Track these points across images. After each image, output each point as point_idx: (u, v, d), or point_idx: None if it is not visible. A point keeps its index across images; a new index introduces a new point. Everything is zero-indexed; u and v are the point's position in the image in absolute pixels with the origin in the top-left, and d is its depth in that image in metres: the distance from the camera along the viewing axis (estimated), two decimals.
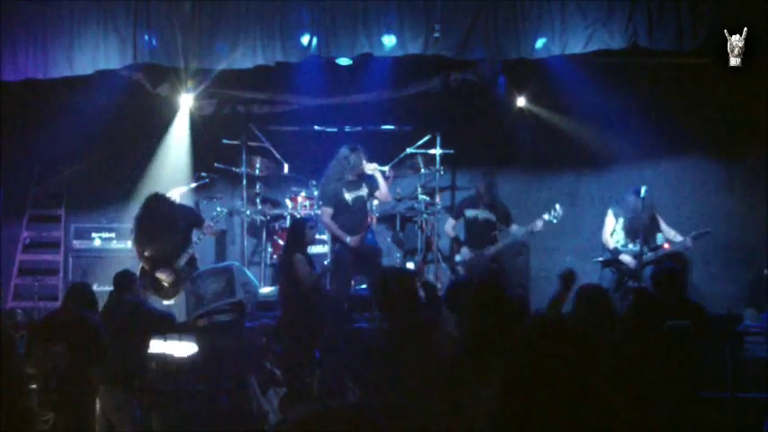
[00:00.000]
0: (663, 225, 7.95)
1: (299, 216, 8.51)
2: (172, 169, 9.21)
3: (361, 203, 7.87)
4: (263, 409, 6.27)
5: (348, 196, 7.77)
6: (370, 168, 7.85)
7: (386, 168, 8.28)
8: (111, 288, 6.25)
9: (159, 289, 7.58)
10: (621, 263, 7.86)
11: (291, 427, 5.15)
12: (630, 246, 7.87)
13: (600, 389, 2.10)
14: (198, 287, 6.11)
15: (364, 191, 7.88)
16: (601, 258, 8.06)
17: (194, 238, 7.80)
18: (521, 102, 9.33)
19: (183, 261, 7.53)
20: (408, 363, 4.68)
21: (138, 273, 7.36)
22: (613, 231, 7.99)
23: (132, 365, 5.95)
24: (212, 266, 6.30)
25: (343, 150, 7.79)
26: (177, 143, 9.32)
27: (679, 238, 7.85)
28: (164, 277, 7.53)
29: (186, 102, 9.09)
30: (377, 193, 8.02)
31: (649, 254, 7.74)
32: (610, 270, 7.97)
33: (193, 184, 8.94)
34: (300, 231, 7.20)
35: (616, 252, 7.89)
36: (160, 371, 6.58)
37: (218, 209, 8.21)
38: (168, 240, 7.54)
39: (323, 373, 6.55)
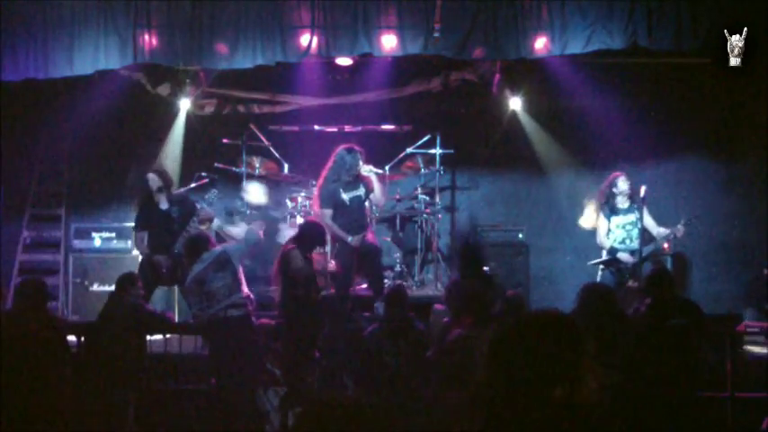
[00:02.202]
0: (649, 222, 7.88)
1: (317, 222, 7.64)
2: (170, 169, 9.20)
3: (358, 203, 7.85)
4: (264, 408, 6.26)
5: (345, 196, 7.75)
6: (366, 170, 7.85)
7: (380, 171, 8.25)
8: (112, 288, 6.25)
9: (158, 276, 7.60)
10: (620, 262, 7.84)
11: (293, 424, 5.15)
12: (628, 242, 7.86)
13: (584, 391, 2.06)
14: (207, 285, 6.09)
15: (361, 190, 7.87)
16: (600, 261, 8.02)
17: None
18: (518, 103, 9.29)
19: (178, 246, 7.52)
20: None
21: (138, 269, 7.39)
22: (609, 231, 7.98)
23: (132, 365, 5.96)
24: (207, 262, 6.14)
25: (340, 152, 7.77)
26: (175, 143, 9.30)
27: (666, 231, 7.81)
28: (161, 263, 7.57)
29: (185, 102, 9.07)
30: (372, 196, 8.00)
31: (646, 247, 7.72)
32: (609, 271, 7.95)
33: (193, 185, 8.93)
34: (314, 237, 7.02)
35: (613, 251, 7.87)
36: (160, 371, 6.58)
37: (213, 191, 8.07)
38: (165, 229, 7.59)
39: (323, 373, 6.55)
